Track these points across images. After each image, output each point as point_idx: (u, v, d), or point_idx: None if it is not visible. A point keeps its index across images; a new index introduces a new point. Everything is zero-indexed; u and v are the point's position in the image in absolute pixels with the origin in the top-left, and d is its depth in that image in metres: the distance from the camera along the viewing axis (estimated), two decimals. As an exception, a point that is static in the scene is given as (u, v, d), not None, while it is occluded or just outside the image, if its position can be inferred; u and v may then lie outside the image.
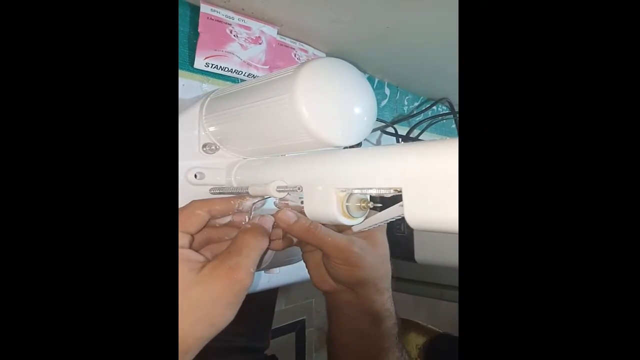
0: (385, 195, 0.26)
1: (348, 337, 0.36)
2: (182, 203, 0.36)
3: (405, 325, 0.71)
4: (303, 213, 0.31)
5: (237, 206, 0.32)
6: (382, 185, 0.26)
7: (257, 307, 0.57)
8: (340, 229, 0.35)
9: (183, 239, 0.28)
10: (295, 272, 0.50)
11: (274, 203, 0.33)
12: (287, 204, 0.33)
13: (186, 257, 0.26)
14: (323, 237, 0.32)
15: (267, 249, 0.30)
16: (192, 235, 0.29)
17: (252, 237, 0.28)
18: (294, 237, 0.34)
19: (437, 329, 0.68)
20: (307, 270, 0.37)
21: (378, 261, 0.34)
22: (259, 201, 0.33)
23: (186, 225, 0.28)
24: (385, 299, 0.35)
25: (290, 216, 0.31)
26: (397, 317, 0.36)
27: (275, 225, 0.32)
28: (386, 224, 0.34)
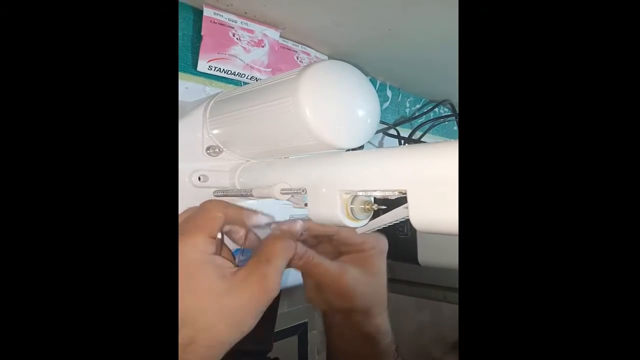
0: (389, 197, 0.26)
1: (345, 356, 0.36)
2: (186, 205, 0.36)
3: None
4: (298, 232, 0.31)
5: (245, 218, 0.31)
6: (387, 187, 0.26)
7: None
8: (339, 249, 0.35)
9: (212, 245, 0.27)
10: (298, 274, 0.50)
11: (271, 227, 0.33)
12: (281, 224, 0.33)
13: (217, 264, 0.26)
14: (315, 266, 0.31)
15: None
16: (217, 238, 0.28)
17: (281, 246, 0.28)
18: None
19: None
20: (304, 285, 0.37)
21: (370, 290, 0.33)
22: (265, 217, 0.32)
23: (211, 230, 0.28)
24: (378, 322, 0.34)
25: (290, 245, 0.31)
26: (393, 333, 0.36)
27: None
28: (387, 247, 0.34)
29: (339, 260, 0.34)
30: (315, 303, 0.36)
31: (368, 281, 0.33)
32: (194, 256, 0.26)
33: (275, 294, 0.26)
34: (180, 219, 0.30)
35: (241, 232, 0.31)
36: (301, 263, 0.31)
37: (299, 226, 0.31)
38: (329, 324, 0.37)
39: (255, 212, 0.31)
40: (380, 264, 0.34)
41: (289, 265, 0.32)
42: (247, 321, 0.26)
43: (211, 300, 0.25)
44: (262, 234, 0.32)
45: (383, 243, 0.34)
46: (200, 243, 0.27)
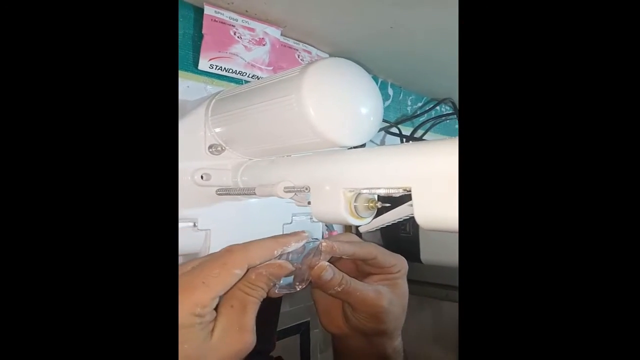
0: (393, 195, 0.26)
1: None
2: (189, 204, 0.36)
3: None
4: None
5: (278, 252, 0.28)
6: (391, 185, 0.25)
7: (263, 309, 0.56)
8: (362, 269, 0.34)
9: (210, 307, 0.25)
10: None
11: (320, 247, 0.30)
12: (333, 245, 0.30)
13: (204, 325, 0.25)
14: (353, 291, 0.31)
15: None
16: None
17: (257, 294, 0.27)
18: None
19: None
20: (315, 307, 0.36)
21: (401, 312, 0.33)
22: (308, 242, 0.30)
23: (219, 289, 0.25)
24: (396, 344, 0.34)
25: (329, 274, 0.29)
26: (405, 353, 0.36)
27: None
28: (407, 267, 0.34)
29: (368, 280, 0.33)
30: (330, 325, 0.35)
31: (399, 303, 0.33)
32: (185, 320, 0.24)
33: (252, 345, 0.26)
34: (194, 264, 0.27)
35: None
36: (340, 290, 0.30)
37: (279, 270, 0.28)
38: (342, 347, 0.36)
39: (285, 242, 0.29)
40: (405, 284, 0.34)
41: (328, 292, 0.31)
42: None
43: (190, 355, 0.24)
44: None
45: (406, 264, 0.34)
46: (199, 306, 0.24)
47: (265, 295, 0.28)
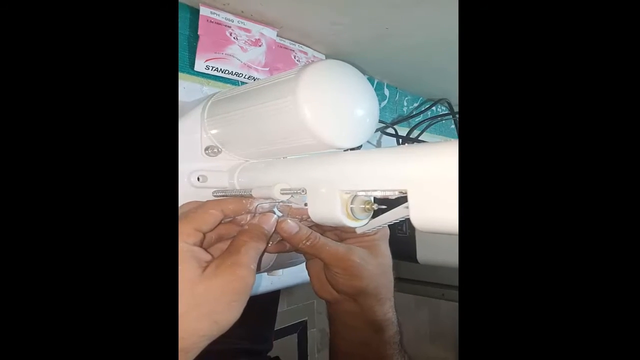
0: (389, 197, 0.26)
1: (350, 345, 0.36)
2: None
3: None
4: (304, 217, 0.32)
5: (248, 205, 0.32)
6: (387, 187, 0.26)
7: (260, 309, 0.57)
8: (342, 237, 0.35)
9: (195, 237, 0.28)
10: (298, 273, 0.50)
11: (277, 207, 0.33)
12: (290, 207, 0.33)
13: (195, 255, 0.27)
14: (322, 246, 0.32)
15: (264, 251, 0.31)
16: (204, 234, 0.29)
17: (249, 237, 0.29)
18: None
19: None
20: (309, 278, 0.37)
21: (379, 271, 0.34)
22: (267, 203, 0.33)
23: (199, 224, 0.29)
24: (386, 309, 0.35)
25: (292, 227, 0.31)
26: (398, 325, 0.36)
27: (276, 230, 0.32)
28: (388, 233, 0.35)
29: (345, 243, 0.34)
30: (322, 291, 0.36)
31: (376, 261, 0.33)
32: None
33: (249, 282, 0.27)
34: (180, 210, 0.31)
35: (246, 219, 0.32)
36: (308, 244, 0.31)
37: (270, 221, 0.31)
38: (335, 313, 0.36)
39: (255, 199, 0.32)
40: (385, 247, 0.35)
41: (297, 250, 0.33)
42: (221, 312, 0.26)
43: (183, 288, 0.25)
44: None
45: (384, 229, 0.35)
46: (184, 233, 0.27)
47: (262, 246, 0.29)
